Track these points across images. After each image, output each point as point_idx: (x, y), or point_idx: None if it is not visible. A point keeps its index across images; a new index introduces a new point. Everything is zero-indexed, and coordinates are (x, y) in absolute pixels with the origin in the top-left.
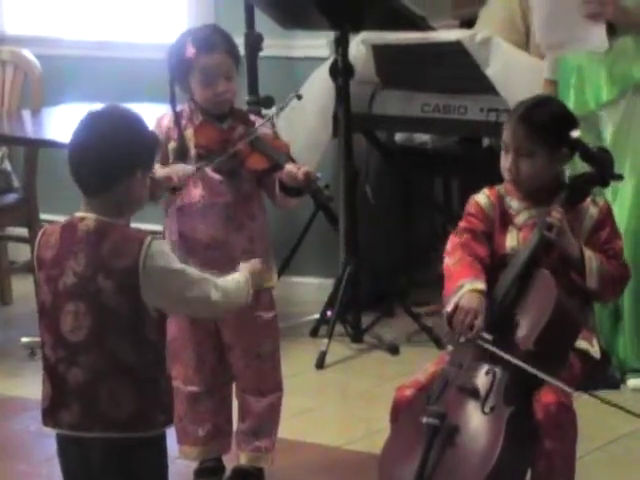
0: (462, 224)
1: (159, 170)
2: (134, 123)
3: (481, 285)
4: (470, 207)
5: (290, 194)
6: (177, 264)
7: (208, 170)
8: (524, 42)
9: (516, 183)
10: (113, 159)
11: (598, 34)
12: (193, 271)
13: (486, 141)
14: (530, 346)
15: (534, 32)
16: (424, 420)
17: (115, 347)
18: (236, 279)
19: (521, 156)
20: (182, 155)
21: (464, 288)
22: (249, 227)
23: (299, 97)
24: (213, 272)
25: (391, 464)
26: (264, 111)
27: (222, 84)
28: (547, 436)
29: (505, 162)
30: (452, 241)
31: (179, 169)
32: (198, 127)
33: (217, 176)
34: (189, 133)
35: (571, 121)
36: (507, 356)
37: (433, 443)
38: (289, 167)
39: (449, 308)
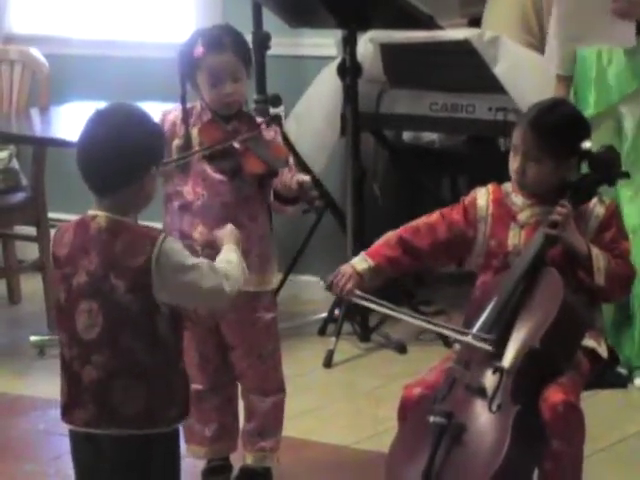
0: (449, 208)
1: None
2: (144, 119)
3: (362, 266)
4: (468, 198)
5: (285, 202)
6: (190, 259)
7: (210, 170)
8: (538, 42)
9: (522, 185)
10: (132, 157)
11: (624, 31)
12: (204, 263)
13: (502, 143)
14: (536, 344)
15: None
16: (431, 419)
17: (127, 345)
18: (233, 261)
19: (529, 161)
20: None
21: (352, 260)
22: (248, 228)
23: (278, 118)
24: None
25: (398, 463)
26: (272, 110)
27: (229, 85)
28: (554, 436)
29: (513, 163)
30: (423, 217)
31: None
32: (203, 126)
33: (219, 176)
34: (195, 132)
35: (583, 130)
36: (385, 309)
37: (440, 442)
38: (283, 176)
39: (332, 275)
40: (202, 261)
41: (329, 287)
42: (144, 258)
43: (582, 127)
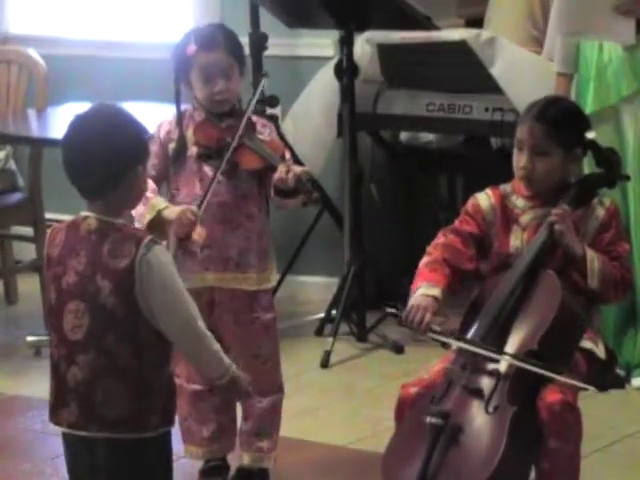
0: (456, 224)
1: (165, 211)
2: (125, 119)
3: (435, 291)
4: (469, 206)
5: (285, 196)
6: (173, 279)
7: (207, 169)
8: (543, 36)
9: (529, 181)
10: (117, 161)
11: (625, 28)
12: (186, 296)
13: (494, 142)
14: (534, 346)
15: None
16: (427, 420)
17: (111, 347)
18: (225, 357)
19: (537, 154)
20: (181, 154)
21: (419, 291)
22: (246, 227)
23: (264, 75)
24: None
25: (394, 463)
26: (269, 110)
27: (220, 83)
28: (551, 435)
29: (519, 160)
30: (437, 239)
31: (186, 214)
32: (197, 126)
33: None
34: (190, 132)
35: (586, 122)
36: (466, 345)
37: (437, 442)
38: (279, 170)
39: (406, 310)
40: (186, 294)
41: (404, 323)
42: (128, 260)
43: (584, 117)
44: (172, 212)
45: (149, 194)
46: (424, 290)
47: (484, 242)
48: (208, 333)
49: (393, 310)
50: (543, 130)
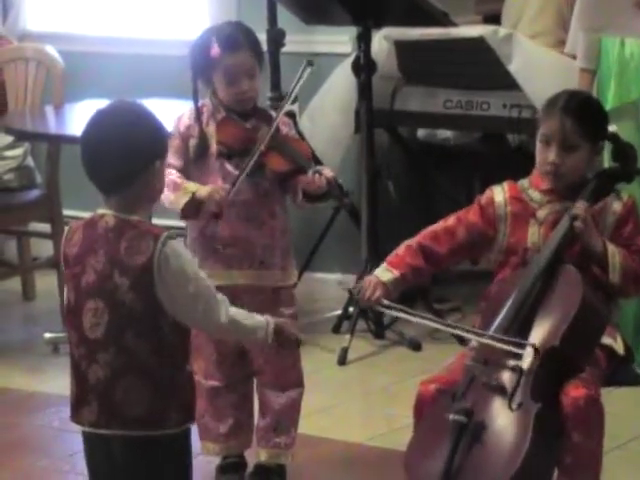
0: (463, 211)
1: (197, 192)
2: (145, 114)
3: (387, 276)
4: (483, 198)
5: (312, 200)
6: (192, 269)
7: (229, 167)
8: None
9: (556, 177)
10: (135, 154)
11: None
12: (206, 284)
13: (512, 139)
14: (556, 342)
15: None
16: (450, 417)
17: (131, 345)
18: (257, 319)
19: (566, 149)
20: (203, 151)
21: (376, 271)
22: (270, 224)
23: (310, 63)
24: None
25: (417, 461)
26: (287, 107)
27: (245, 83)
28: (575, 430)
29: (547, 155)
30: (439, 222)
31: (217, 191)
32: (220, 123)
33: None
34: (211, 129)
35: (606, 115)
36: (411, 317)
37: (460, 440)
38: (310, 176)
39: (359, 286)
40: (205, 280)
41: (355, 297)
42: (146, 257)
43: (604, 110)
44: (204, 191)
45: (178, 180)
46: (379, 272)
47: (486, 235)
48: (234, 313)
49: (349, 288)
50: (573, 124)
